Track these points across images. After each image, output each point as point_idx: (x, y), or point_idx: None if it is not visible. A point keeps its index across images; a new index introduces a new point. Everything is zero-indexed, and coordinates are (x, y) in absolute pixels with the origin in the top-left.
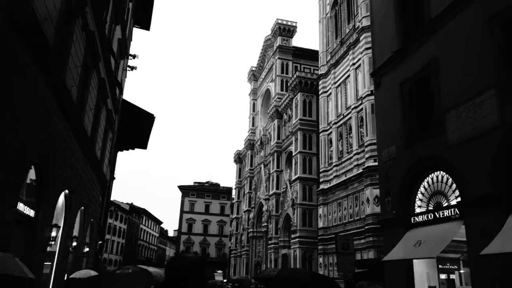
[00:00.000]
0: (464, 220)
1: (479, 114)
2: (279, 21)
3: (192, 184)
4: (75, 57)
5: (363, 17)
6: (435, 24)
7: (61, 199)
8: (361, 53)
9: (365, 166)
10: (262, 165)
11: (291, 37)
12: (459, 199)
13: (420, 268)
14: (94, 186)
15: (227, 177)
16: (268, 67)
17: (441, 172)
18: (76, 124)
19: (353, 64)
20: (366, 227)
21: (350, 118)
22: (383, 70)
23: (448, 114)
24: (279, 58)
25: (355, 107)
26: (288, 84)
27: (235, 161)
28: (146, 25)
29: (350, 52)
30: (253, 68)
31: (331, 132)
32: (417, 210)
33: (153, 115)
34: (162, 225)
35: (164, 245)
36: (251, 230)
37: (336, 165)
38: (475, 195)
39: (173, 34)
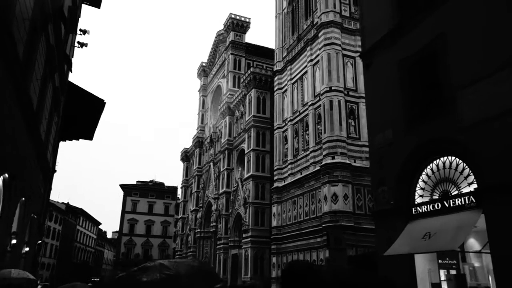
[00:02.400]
0: (483, 209)
1: (505, 89)
2: (233, 16)
3: (135, 183)
4: (23, 9)
5: (322, 13)
6: None
7: None
8: (320, 49)
9: (323, 163)
10: (211, 163)
11: (244, 33)
12: (473, 186)
13: (422, 264)
14: (37, 175)
15: (172, 176)
16: (220, 63)
17: (450, 157)
18: (20, 91)
19: (311, 60)
20: (324, 225)
21: (307, 115)
22: (375, 50)
23: (463, 92)
24: (231, 53)
25: (313, 104)
26: (241, 81)
27: (182, 159)
28: (96, 2)
29: (308, 48)
30: (204, 64)
31: (286, 129)
32: (418, 200)
33: (103, 100)
34: (100, 226)
35: (102, 247)
36: (199, 230)
37: (292, 163)
38: (498, 181)
39: (123, 20)
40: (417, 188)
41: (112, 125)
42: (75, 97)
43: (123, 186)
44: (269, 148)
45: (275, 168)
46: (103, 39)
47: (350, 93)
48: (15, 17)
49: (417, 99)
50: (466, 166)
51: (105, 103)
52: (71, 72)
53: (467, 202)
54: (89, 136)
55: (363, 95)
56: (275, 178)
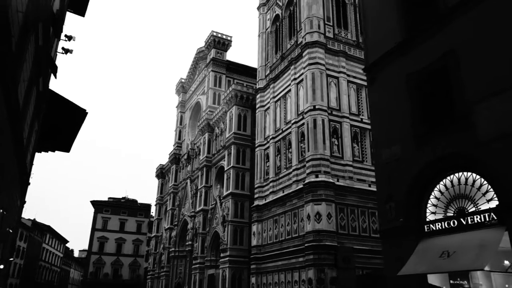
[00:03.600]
0: (506, 226)
1: None
2: (214, 34)
3: (107, 199)
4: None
5: (307, 33)
6: (451, 14)
7: None
8: (304, 68)
9: (306, 181)
10: (188, 180)
11: (226, 51)
12: (493, 202)
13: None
14: (16, 186)
15: (146, 193)
16: (200, 80)
17: (465, 172)
18: (9, 88)
19: (295, 79)
20: (306, 245)
21: (290, 133)
22: (380, 64)
23: (477, 107)
24: (212, 70)
25: (296, 122)
26: (222, 98)
27: (157, 176)
28: (81, 10)
29: (292, 67)
30: (183, 80)
31: (268, 147)
32: (430, 217)
33: (85, 110)
34: (67, 244)
35: (68, 266)
36: (173, 249)
37: (273, 181)
38: None
39: (103, 31)
40: (428, 205)
41: (85, 138)
42: (55, 105)
43: (94, 203)
44: (249, 165)
45: (255, 186)
46: (83, 49)
47: (334, 112)
48: (10, 5)
49: (427, 114)
50: (485, 182)
51: (87, 113)
52: (56, 78)
53: (487, 219)
54: (67, 148)
55: (346, 114)
56: (256, 196)
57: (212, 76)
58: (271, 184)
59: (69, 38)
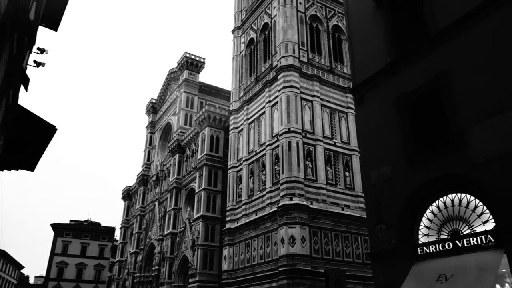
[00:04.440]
0: (505, 249)
1: None
2: (187, 55)
3: (68, 222)
4: None
5: (282, 56)
6: (443, 36)
7: None
8: (279, 91)
9: (280, 204)
10: (156, 203)
11: (198, 73)
12: (489, 224)
13: None
14: None
15: (110, 216)
16: (171, 100)
17: (459, 194)
18: None
19: (269, 101)
20: (280, 269)
21: (264, 155)
22: (368, 85)
23: (472, 128)
24: (184, 91)
25: (270, 144)
26: (195, 119)
27: (123, 197)
28: (54, 24)
29: (267, 90)
30: (153, 100)
31: (241, 169)
32: (423, 239)
33: (54, 127)
34: (22, 270)
35: None
36: (138, 274)
37: (246, 203)
38: None
39: (73, 49)
40: (421, 227)
41: (46, 156)
42: (22, 119)
43: (54, 226)
44: (221, 188)
45: (227, 208)
46: (53, 63)
47: (308, 135)
48: None
49: (418, 135)
50: (480, 204)
51: (56, 129)
52: (26, 90)
53: (484, 241)
54: (31, 166)
55: (320, 138)
56: (228, 219)
57: (184, 97)
58: (243, 207)
59: (42, 51)
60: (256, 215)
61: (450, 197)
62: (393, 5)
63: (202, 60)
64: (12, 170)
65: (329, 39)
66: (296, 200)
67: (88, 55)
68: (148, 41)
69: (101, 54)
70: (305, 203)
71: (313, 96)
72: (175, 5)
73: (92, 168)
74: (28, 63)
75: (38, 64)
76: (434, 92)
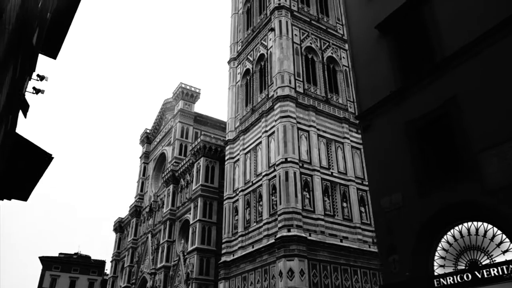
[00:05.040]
0: None
1: None
2: (183, 85)
3: (57, 255)
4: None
5: (279, 87)
6: (451, 62)
7: None
8: (276, 121)
9: (278, 236)
10: (149, 235)
11: (194, 103)
12: (509, 254)
13: None
14: None
15: (101, 249)
16: (166, 130)
17: (476, 222)
18: None
19: (266, 131)
20: None
21: (261, 185)
22: (375, 112)
23: (485, 154)
24: (179, 121)
25: (267, 174)
26: (190, 148)
27: (115, 229)
28: (53, 52)
29: (263, 120)
30: (148, 131)
31: (237, 200)
32: (439, 270)
33: (50, 155)
34: None
35: None
36: None
37: (242, 235)
38: None
39: (67, 78)
40: (436, 257)
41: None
42: (17, 147)
43: (42, 259)
44: (216, 219)
45: (223, 240)
46: (45, 91)
47: (305, 166)
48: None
49: (430, 161)
50: (498, 232)
51: (52, 158)
52: (25, 117)
53: (505, 272)
54: (25, 196)
55: (317, 168)
56: (223, 251)
57: (179, 127)
58: (240, 239)
59: (41, 78)
60: (253, 247)
61: (466, 226)
62: (397, 33)
63: (197, 90)
64: (4, 200)
65: (324, 70)
66: (294, 232)
67: (82, 85)
68: (142, 72)
69: (95, 84)
70: (303, 234)
71: (310, 126)
72: (170, 36)
73: (83, 199)
74: (27, 90)
75: (37, 91)
76: (444, 118)
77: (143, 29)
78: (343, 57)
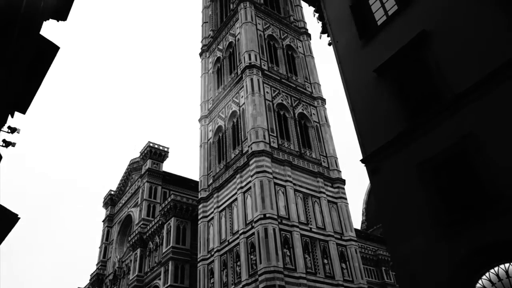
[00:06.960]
0: None
1: None
2: (151, 144)
3: None
4: None
5: (253, 142)
6: (462, 99)
7: None
8: (252, 176)
9: None
10: None
11: (162, 162)
12: None
13: None
14: None
15: None
16: (132, 191)
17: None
18: None
19: (241, 187)
20: None
21: (238, 244)
22: (382, 154)
23: None
24: (147, 181)
25: (244, 232)
26: (159, 209)
27: None
28: (23, 107)
29: (238, 176)
30: (112, 192)
31: (212, 261)
32: None
33: (16, 215)
34: None
35: None
36: None
37: None
38: None
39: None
40: None
41: None
42: None
43: None
44: (188, 284)
45: None
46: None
47: (284, 221)
48: None
49: (450, 201)
50: None
51: (19, 218)
52: None
53: None
54: None
55: (296, 223)
56: None
57: (147, 187)
58: None
59: (13, 130)
60: None
61: (503, 267)
62: (398, 75)
63: (165, 149)
64: None
65: (296, 126)
66: None
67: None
68: (106, 133)
69: (58, 144)
70: None
71: (286, 181)
72: (134, 95)
73: (40, 268)
74: None
75: (7, 144)
76: (460, 156)
77: (107, 89)
78: (313, 113)
